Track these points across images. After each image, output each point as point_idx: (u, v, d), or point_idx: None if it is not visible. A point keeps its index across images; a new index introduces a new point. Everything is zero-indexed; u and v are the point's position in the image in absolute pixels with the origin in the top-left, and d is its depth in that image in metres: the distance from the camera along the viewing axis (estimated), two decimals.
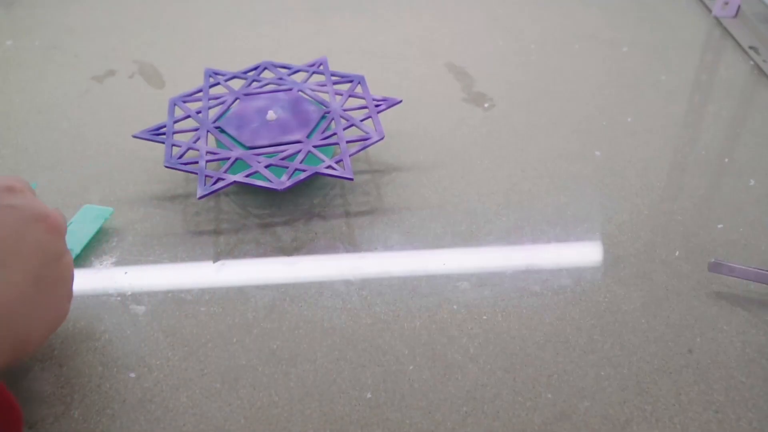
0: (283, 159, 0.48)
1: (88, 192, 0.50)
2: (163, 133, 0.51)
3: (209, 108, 0.53)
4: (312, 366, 0.39)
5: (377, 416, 0.37)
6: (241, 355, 0.39)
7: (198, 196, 0.45)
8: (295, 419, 0.36)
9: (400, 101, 0.54)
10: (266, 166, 0.47)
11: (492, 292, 0.43)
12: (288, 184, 0.46)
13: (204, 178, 0.46)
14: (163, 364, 0.39)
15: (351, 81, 0.55)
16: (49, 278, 0.34)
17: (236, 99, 0.54)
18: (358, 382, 0.38)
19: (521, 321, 0.42)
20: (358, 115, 0.53)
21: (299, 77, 0.58)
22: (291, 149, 0.48)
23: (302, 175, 0.46)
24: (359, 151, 0.49)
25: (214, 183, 0.46)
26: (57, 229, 0.34)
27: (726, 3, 0.73)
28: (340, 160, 0.48)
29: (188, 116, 0.52)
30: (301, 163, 0.47)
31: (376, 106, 0.53)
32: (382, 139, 0.50)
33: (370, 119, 0.52)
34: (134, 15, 0.75)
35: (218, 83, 0.56)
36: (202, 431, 0.36)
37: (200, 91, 0.55)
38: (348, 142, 0.49)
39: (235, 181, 0.46)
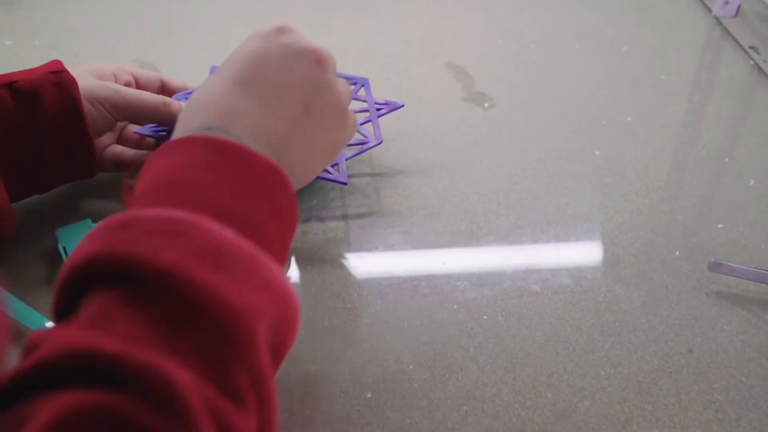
0: None
1: (88, 192, 0.50)
2: (166, 130, 0.51)
3: None
4: (312, 366, 0.39)
5: (377, 416, 0.37)
6: None
7: None
8: (295, 419, 0.36)
9: (402, 106, 0.54)
10: None
11: (492, 291, 0.43)
12: None
13: None
14: None
15: (355, 83, 0.55)
16: (319, 106, 0.37)
17: None
18: (358, 382, 0.38)
19: (521, 321, 0.42)
20: (358, 117, 0.53)
21: None
22: None
23: None
24: (356, 155, 0.49)
25: None
26: (324, 61, 0.38)
27: (726, 3, 0.73)
28: (336, 164, 0.48)
29: None
30: None
31: (378, 110, 0.53)
32: (380, 143, 0.50)
33: (370, 123, 0.52)
34: (134, 15, 0.75)
35: None
36: None
37: None
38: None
39: None
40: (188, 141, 0.32)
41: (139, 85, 0.51)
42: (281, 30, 0.38)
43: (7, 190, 0.43)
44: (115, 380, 0.23)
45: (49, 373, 0.23)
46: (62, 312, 0.27)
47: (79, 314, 0.26)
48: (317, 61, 0.38)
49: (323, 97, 0.38)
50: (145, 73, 0.52)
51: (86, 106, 0.44)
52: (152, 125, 0.51)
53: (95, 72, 0.48)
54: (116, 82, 0.49)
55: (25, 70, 0.44)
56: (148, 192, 0.31)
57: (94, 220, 0.47)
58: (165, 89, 0.53)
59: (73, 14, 0.75)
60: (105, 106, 0.46)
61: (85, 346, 0.23)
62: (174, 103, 0.48)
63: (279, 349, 0.29)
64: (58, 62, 0.45)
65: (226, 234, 0.28)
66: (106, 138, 0.50)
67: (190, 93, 0.54)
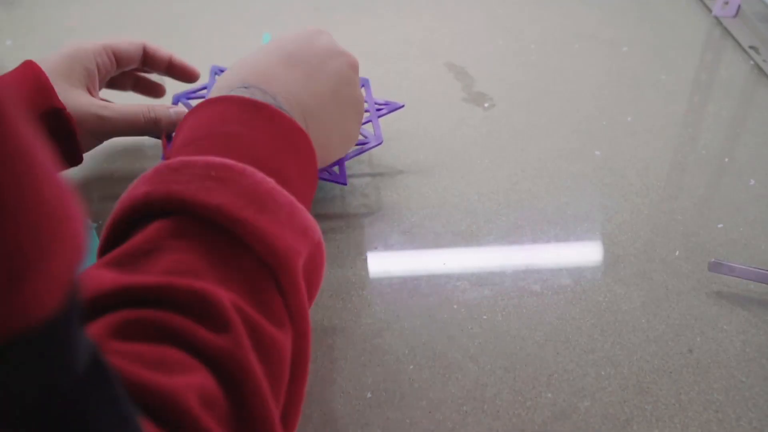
0: None
1: (88, 191, 0.50)
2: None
3: None
4: (312, 366, 0.39)
5: (377, 416, 0.37)
6: None
7: None
8: None
9: (403, 106, 0.54)
10: None
11: (492, 291, 0.43)
12: None
13: None
14: None
15: None
16: (344, 96, 0.42)
17: None
18: (358, 382, 0.38)
19: (521, 320, 0.42)
20: None
21: None
22: None
23: None
24: (356, 155, 0.49)
25: None
26: (354, 66, 0.43)
27: (726, 3, 0.73)
28: (337, 164, 0.48)
29: None
30: None
31: (378, 110, 0.53)
32: (380, 144, 0.50)
33: (370, 123, 0.52)
34: (134, 15, 0.75)
35: None
36: None
37: (204, 88, 0.55)
38: None
39: None
40: (226, 99, 0.35)
41: (119, 63, 0.50)
42: (320, 32, 0.43)
43: None
44: (157, 306, 0.25)
45: (94, 310, 0.24)
46: (111, 250, 0.28)
47: (129, 241, 0.27)
48: (350, 63, 0.43)
49: (349, 91, 0.42)
50: (124, 47, 0.50)
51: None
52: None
53: (74, 62, 0.46)
54: (97, 68, 0.48)
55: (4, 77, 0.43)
56: (189, 143, 0.33)
57: (94, 220, 0.47)
58: (147, 59, 0.52)
59: (73, 14, 0.75)
60: (87, 127, 0.45)
61: (127, 283, 0.25)
62: (157, 108, 0.48)
63: (309, 293, 0.31)
64: (31, 65, 0.44)
65: (269, 181, 0.30)
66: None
67: (191, 93, 0.54)
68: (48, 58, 0.46)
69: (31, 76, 0.44)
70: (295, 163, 0.34)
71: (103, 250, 0.29)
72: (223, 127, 0.33)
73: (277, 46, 0.41)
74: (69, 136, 0.44)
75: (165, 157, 0.37)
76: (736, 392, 0.38)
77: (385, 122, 0.56)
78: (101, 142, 0.49)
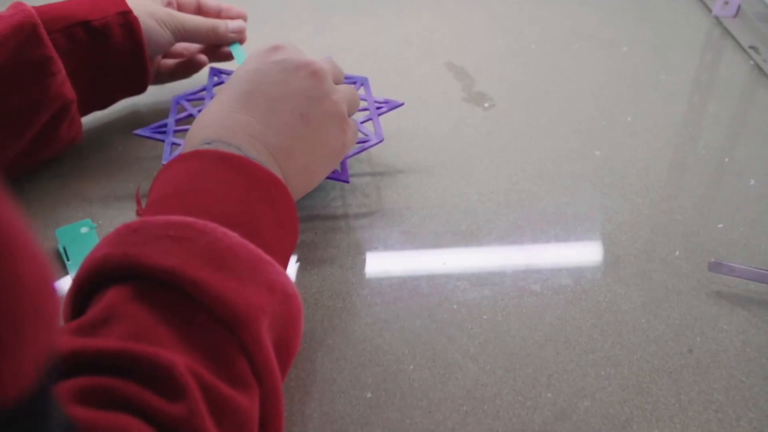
0: None
1: (87, 191, 0.50)
2: (164, 131, 0.51)
3: None
4: (312, 366, 0.39)
5: (377, 416, 0.36)
6: None
7: None
8: (295, 419, 0.36)
9: (402, 104, 0.54)
10: None
11: (492, 291, 0.43)
12: None
13: None
14: None
15: (354, 82, 0.55)
16: (315, 113, 0.40)
17: None
18: (358, 382, 0.38)
19: (521, 320, 0.42)
20: (359, 116, 0.53)
21: None
22: None
23: None
24: (357, 153, 0.49)
25: None
26: (319, 74, 0.40)
27: (726, 2, 0.73)
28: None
29: (190, 114, 0.52)
30: None
31: (378, 108, 0.53)
32: (381, 142, 0.50)
33: (370, 121, 0.52)
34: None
35: (222, 82, 0.56)
36: None
37: (204, 89, 0.55)
38: None
39: None
40: (194, 155, 0.34)
41: (180, 7, 0.56)
42: (275, 48, 0.41)
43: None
44: (113, 372, 0.24)
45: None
46: (75, 315, 0.29)
47: (88, 310, 0.27)
48: (312, 73, 0.40)
49: (320, 106, 0.40)
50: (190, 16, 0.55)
51: (149, 25, 0.50)
52: (151, 126, 0.51)
53: None
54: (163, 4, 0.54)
55: (93, 4, 0.49)
56: (158, 202, 0.33)
57: (94, 220, 0.47)
58: (201, 10, 0.58)
59: None
60: (165, 27, 0.52)
61: (83, 347, 0.24)
62: (221, 25, 0.55)
63: (285, 349, 0.30)
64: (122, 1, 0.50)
65: (231, 237, 0.29)
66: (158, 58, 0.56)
67: (190, 94, 0.54)
68: None
69: (120, 10, 0.49)
70: (268, 212, 0.34)
71: (68, 317, 0.29)
72: (191, 183, 0.33)
73: (232, 91, 0.39)
74: (136, 48, 0.50)
75: (138, 214, 0.38)
76: (736, 392, 0.38)
77: (386, 122, 0.56)
78: (165, 50, 0.54)
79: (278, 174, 0.37)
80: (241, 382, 0.27)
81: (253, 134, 0.37)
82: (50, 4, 0.48)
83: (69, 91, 0.47)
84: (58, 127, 0.47)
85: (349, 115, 0.44)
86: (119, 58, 0.50)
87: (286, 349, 0.30)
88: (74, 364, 0.24)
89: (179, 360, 0.25)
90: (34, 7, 0.45)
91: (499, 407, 0.37)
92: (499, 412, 0.37)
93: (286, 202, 0.35)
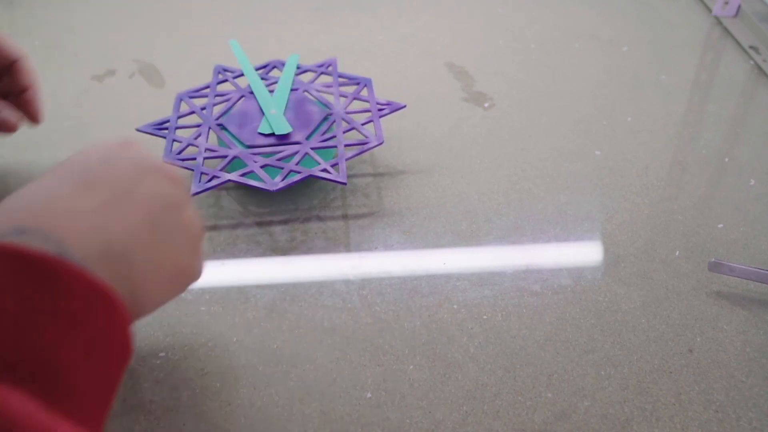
0: (279, 159, 0.48)
1: None
2: (166, 128, 0.51)
3: (214, 105, 0.53)
4: (312, 366, 0.39)
5: (377, 416, 0.37)
6: (241, 355, 0.39)
7: (191, 193, 0.45)
8: (295, 419, 0.36)
9: (404, 106, 0.54)
10: (262, 166, 0.47)
11: (492, 291, 0.43)
12: (281, 185, 0.45)
13: (200, 175, 0.46)
14: (163, 363, 0.39)
15: (358, 83, 0.55)
16: (167, 223, 0.33)
17: (241, 97, 0.54)
18: (358, 382, 0.38)
19: (521, 320, 0.42)
20: (360, 118, 0.53)
21: (307, 77, 0.58)
22: (289, 150, 0.48)
23: (296, 177, 0.46)
24: (357, 155, 0.49)
25: (209, 180, 0.46)
26: (175, 179, 0.34)
27: (726, 2, 0.73)
28: (336, 164, 0.48)
29: (192, 112, 0.53)
30: (297, 164, 0.47)
31: (380, 110, 0.53)
32: (380, 144, 0.50)
33: (371, 123, 0.52)
34: (135, 14, 0.75)
35: (226, 80, 0.56)
36: (202, 431, 0.36)
37: (207, 87, 0.55)
38: (346, 145, 0.49)
39: (229, 180, 0.46)
40: None
41: None
42: (127, 144, 0.34)
43: None
44: None
45: None
46: None
47: None
48: (169, 178, 0.34)
49: (173, 215, 0.33)
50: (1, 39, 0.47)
51: None
52: (154, 123, 0.51)
53: None
54: None
55: None
56: None
57: None
58: (10, 69, 0.48)
59: (73, 14, 0.74)
60: None
61: None
62: None
63: None
64: None
65: (11, 404, 0.22)
66: None
67: (194, 92, 0.54)
68: None
69: None
70: (80, 342, 0.26)
71: None
72: None
73: (69, 169, 0.31)
74: None
75: None
76: (736, 392, 0.38)
77: (386, 122, 0.56)
78: None
79: (109, 282, 0.28)
80: None
81: (87, 227, 0.29)
82: None
83: None
84: None
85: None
86: None
87: None
88: None
89: None
90: None
91: (499, 407, 0.37)
92: (499, 412, 0.37)
93: (113, 319, 0.28)
